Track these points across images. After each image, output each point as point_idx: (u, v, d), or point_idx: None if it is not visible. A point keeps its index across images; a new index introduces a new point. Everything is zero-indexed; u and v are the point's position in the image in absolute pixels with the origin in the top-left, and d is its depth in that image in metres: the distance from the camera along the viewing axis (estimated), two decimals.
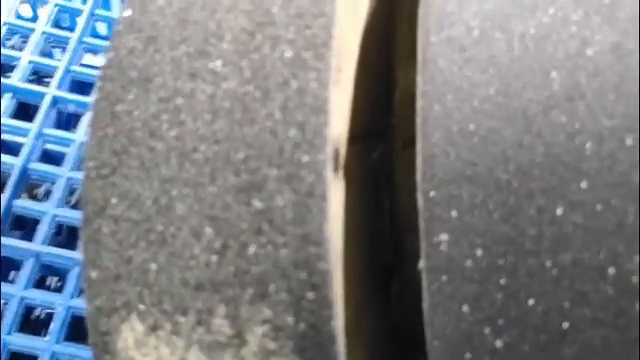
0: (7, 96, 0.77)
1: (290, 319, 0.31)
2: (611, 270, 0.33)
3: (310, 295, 0.30)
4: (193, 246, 0.33)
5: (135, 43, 0.37)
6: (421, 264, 0.36)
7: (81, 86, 0.79)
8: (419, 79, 0.38)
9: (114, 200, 0.35)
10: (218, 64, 0.34)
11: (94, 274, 0.35)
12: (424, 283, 0.36)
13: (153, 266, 0.34)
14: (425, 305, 0.36)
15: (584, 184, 0.34)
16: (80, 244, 0.37)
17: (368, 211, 0.42)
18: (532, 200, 0.35)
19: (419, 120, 0.38)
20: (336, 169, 0.40)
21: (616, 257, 0.33)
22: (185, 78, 0.35)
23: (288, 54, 0.33)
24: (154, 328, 0.34)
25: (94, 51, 0.82)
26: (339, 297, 0.39)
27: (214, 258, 0.32)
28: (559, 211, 0.34)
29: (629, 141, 0.34)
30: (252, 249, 0.32)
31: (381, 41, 0.47)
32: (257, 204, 0.32)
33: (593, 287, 0.33)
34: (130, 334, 0.34)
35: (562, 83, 0.35)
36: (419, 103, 0.38)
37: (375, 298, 0.43)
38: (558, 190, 0.34)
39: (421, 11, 0.40)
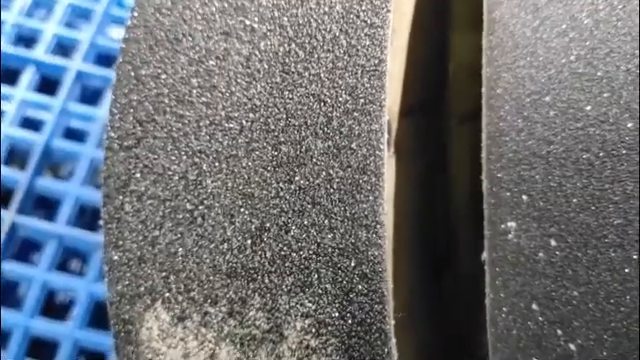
0: (30, 70, 0.75)
1: (335, 313, 0.28)
2: None
3: (359, 287, 0.27)
4: (225, 227, 0.30)
5: (163, 0, 0.34)
6: (484, 255, 0.33)
7: (107, 60, 0.77)
8: (485, 43, 0.35)
9: (138, 175, 0.32)
10: (256, 20, 0.31)
11: (116, 256, 0.33)
12: (487, 277, 0.33)
13: (180, 249, 0.31)
14: (487, 302, 0.33)
15: None
16: (102, 223, 0.34)
17: (419, 195, 0.39)
18: (618, 184, 0.31)
19: (485, 90, 0.34)
20: (388, 143, 0.36)
21: None
22: (218, 37, 0.32)
23: (337, 7, 0.29)
24: (181, 318, 0.31)
25: (122, 23, 0.80)
26: (389, 287, 0.35)
27: (249, 242, 0.29)
28: None
29: None
30: (293, 232, 0.28)
31: (437, 4, 0.43)
32: (299, 181, 0.28)
33: None
34: (155, 323, 0.32)
35: None
36: (485, 71, 0.34)
37: (425, 294, 0.39)
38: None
39: None
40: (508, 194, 0.32)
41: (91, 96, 0.77)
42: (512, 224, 0.32)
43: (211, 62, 0.32)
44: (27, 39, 0.78)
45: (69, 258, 0.74)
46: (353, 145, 0.27)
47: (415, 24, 0.40)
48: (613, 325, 0.31)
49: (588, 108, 0.32)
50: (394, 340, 0.27)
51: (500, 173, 0.33)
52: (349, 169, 0.27)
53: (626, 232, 0.31)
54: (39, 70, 0.75)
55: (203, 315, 0.31)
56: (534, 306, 0.32)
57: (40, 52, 0.76)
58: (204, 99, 0.31)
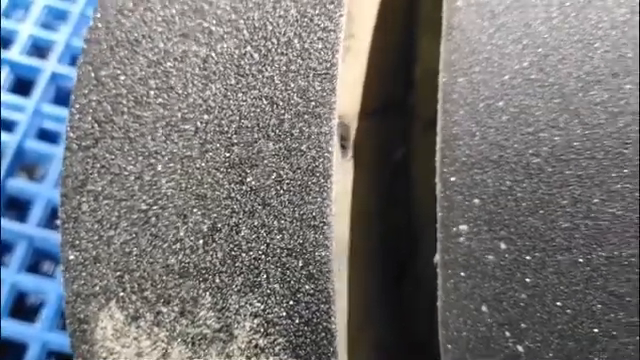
0: (5, 70, 0.76)
1: (283, 313, 0.28)
2: None
3: (306, 287, 0.28)
4: (178, 228, 0.31)
5: (125, 1, 0.35)
6: (436, 258, 0.33)
7: None
8: (443, 48, 0.35)
9: (95, 175, 0.33)
10: (213, 23, 0.32)
11: (72, 256, 0.33)
12: (439, 280, 0.33)
13: (135, 249, 0.31)
14: (439, 304, 0.33)
15: (626, 171, 0.31)
16: (59, 223, 0.35)
17: (381, 199, 0.40)
18: (566, 189, 0.32)
19: (441, 95, 0.35)
20: (344, 147, 0.37)
21: None
22: (177, 39, 0.32)
23: (292, 12, 0.30)
24: (135, 317, 0.32)
25: None
26: (344, 292, 0.36)
27: (201, 242, 0.30)
28: (596, 202, 0.31)
29: None
30: (243, 233, 0.29)
31: (404, 8, 0.44)
32: (251, 182, 0.29)
33: (630, 289, 0.30)
34: (109, 323, 0.32)
35: (606, 56, 0.32)
36: (441, 75, 0.35)
37: (386, 297, 0.40)
38: (596, 178, 0.31)
39: None
40: (460, 197, 0.33)
41: (66, 97, 0.78)
42: (464, 227, 0.33)
43: (169, 64, 0.32)
44: (2, 40, 0.78)
45: (40, 260, 0.74)
46: (303, 147, 0.28)
47: (379, 29, 0.40)
48: (559, 327, 0.32)
49: (539, 113, 0.33)
50: (345, 341, 0.28)
51: (453, 177, 0.33)
52: (299, 171, 0.28)
53: (573, 236, 0.31)
54: (13, 71, 0.76)
55: (156, 315, 0.31)
56: (484, 308, 0.33)
57: (15, 53, 0.76)
58: (161, 100, 0.32)
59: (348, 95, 0.37)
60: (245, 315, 0.29)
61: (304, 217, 0.28)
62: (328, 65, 0.28)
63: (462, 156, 0.33)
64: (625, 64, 0.32)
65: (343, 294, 0.35)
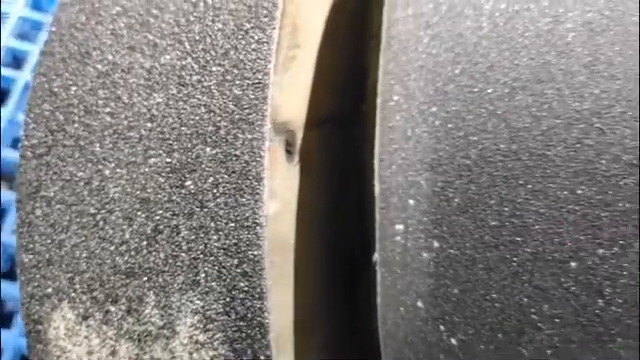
0: None
1: (220, 309, 0.30)
2: (573, 264, 0.32)
3: (241, 284, 0.30)
4: (124, 230, 0.32)
5: (78, 15, 0.36)
6: (375, 256, 0.35)
7: None
8: (382, 58, 0.37)
9: (48, 181, 0.34)
10: (158, 36, 0.33)
11: (26, 259, 0.35)
12: (378, 277, 0.35)
13: (85, 251, 0.33)
14: (378, 301, 0.35)
15: (549, 171, 0.33)
16: (14, 228, 0.36)
17: (333, 202, 0.42)
18: (494, 189, 0.33)
19: (379, 101, 0.37)
20: (290, 153, 0.39)
21: (579, 250, 0.32)
22: (124, 52, 0.34)
23: (229, 25, 0.32)
24: (85, 317, 0.33)
25: None
26: (290, 290, 0.38)
27: (145, 243, 0.32)
28: (521, 201, 0.33)
29: (598, 126, 0.32)
30: (183, 234, 0.31)
31: (355, 19, 0.46)
32: (190, 186, 0.31)
33: (554, 282, 0.32)
34: (61, 322, 0.34)
35: (530, 64, 0.34)
36: (380, 83, 0.37)
37: (339, 298, 0.42)
38: (521, 178, 0.33)
39: None
40: (396, 198, 0.35)
41: None
42: (399, 227, 0.35)
43: (117, 75, 0.34)
44: None
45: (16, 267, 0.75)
46: (237, 152, 0.30)
47: (327, 40, 0.42)
48: (489, 320, 0.33)
49: (469, 118, 0.35)
50: (272, 334, 0.29)
51: (390, 179, 0.35)
52: (233, 174, 0.30)
53: (500, 233, 0.33)
54: None
55: (105, 313, 0.33)
56: (419, 303, 0.34)
57: None
58: (109, 109, 0.33)
59: (294, 103, 0.39)
60: (186, 312, 0.31)
61: (238, 218, 0.30)
62: (261, 75, 0.30)
63: (398, 159, 0.35)
64: (548, 70, 0.34)
65: (288, 293, 0.37)
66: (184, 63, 0.32)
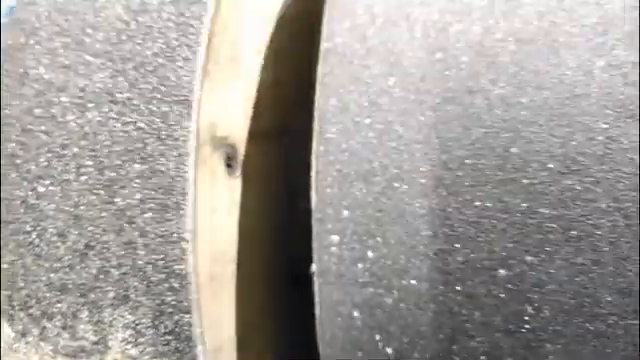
0: None
1: (150, 324, 0.31)
2: (502, 272, 0.32)
3: (169, 299, 0.30)
4: (59, 247, 0.33)
5: (19, 35, 0.37)
6: (313, 267, 0.36)
7: None
8: (319, 70, 0.38)
9: None
10: (91, 55, 0.34)
11: None
12: (316, 287, 0.36)
13: (21, 269, 0.34)
14: (317, 310, 0.35)
15: (477, 181, 0.33)
16: None
17: (280, 215, 0.42)
18: (424, 198, 0.34)
19: (316, 114, 0.37)
20: (231, 166, 0.39)
21: (507, 258, 0.32)
22: (60, 70, 0.35)
23: (159, 43, 0.33)
24: (23, 334, 0.34)
25: None
26: (232, 303, 0.38)
27: (77, 259, 0.32)
28: (451, 210, 0.33)
29: (525, 135, 0.33)
30: (113, 250, 0.31)
31: (304, 35, 0.46)
32: (119, 202, 0.31)
33: (484, 290, 0.33)
34: (1, 340, 0.34)
35: (460, 74, 0.35)
36: (318, 95, 0.37)
37: (285, 307, 0.42)
38: (451, 187, 0.34)
39: (328, 1, 0.40)
40: (331, 210, 0.35)
41: None
42: (335, 237, 0.35)
43: (52, 93, 0.35)
44: None
45: None
46: (163, 168, 0.30)
47: (271, 55, 0.43)
48: (423, 329, 0.34)
49: (401, 129, 0.35)
50: (200, 347, 0.30)
51: (325, 190, 0.36)
52: (160, 190, 0.30)
53: (432, 242, 0.34)
54: None
55: (42, 330, 0.33)
56: (355, 313, 0.35)
57: None
58: (44, 128, 0.34)
59: (234, 117, 0.39)
60: (118, 327, 0.31)
61: (164, 233, 0.30)
62: (186, 91, 0.31)
63: (333, 171, 0.36)
64: (477, 81, 0.34)
65: (230, 306, 0.38)
66: (115, 81, 0.33)
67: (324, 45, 0.39)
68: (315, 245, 0.36)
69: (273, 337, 0.42)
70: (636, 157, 0.32)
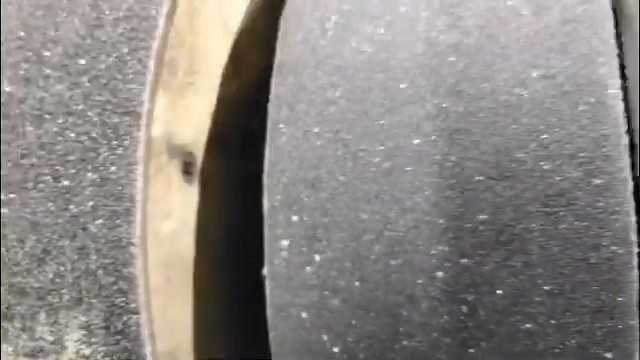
0: None
1: (102, 324, 0.32)
2: (439, 273, 0.34)
3: (118, 301, 0.32)
4: (18, 252, 0.34)
5: None
6: (265, 271, 0.37)
7: None
8: (273, 82, 0.40)
9: None
10: (50, 67, 0.36)
11: None
12: (267, 290, 0.37)
13: None
14: (268, 312, 0.37)
15: (416, 184, 0.35)
16: None
17: (238, 219, 0.44)
18: (367, 204, 0.36)
19: (269, 123, 0.39)
20: (189, 173, 0.41)
21: (444, 260, 0.34)
22: (21, 83, 0.36)
23: (112, 57, 0.34)
24: None
25: None
26: (189, 306, 0.40)
27: (35, 264, 0.34)
28: (393, 215, 0.35)
29: (460, 142, 0.35)
30: (68, 255, 0.33)
31: (264, 47, 0.48)
32: (73, 209, 0.33)
33: (422, 291, 0.34)
34: None
35: (402, 86, 0.36)
36: (270, 107, 0.39)
37: (246, 309, 0.44)
38: (390, 193, 0.35)
39: (284, 12, 0.42)
40: (281, 215, 0.37)
41: None
42: (285, 242, 0.37)
43: (13, 105, 0.36)
44: None
45: None
46: (114, 177, 0.32)
47: (231, 66, 0.45)
48: (367, 329, 0.35)
49: (348, 137, 0.37)
50: (149, 347, 0.31)
51: (276, 196, 0.37)
52: (111, 197, 0.32)
53: (374, 246, 0.35)
54: None
55: (4, 332, 0.35)
56: (304, 315, 0.36)
57: None
58: (4, 138, 0.36)
59: (192, 126, 0.41)
60: (73, 328, 0.33)
61: (114, 239, 0.32)
62: (136, 103, 0.32)
63: (283, 178, 0.37)
64: (418, 92, 0.36)
65: (187, 309, 0.39)
66: (72, 94, 0.35)
67: (278, 57, 0.41)
68: (266, 250, 0.37)
69: (232, 339, 0.43)
70: (565, 165, 0.33)
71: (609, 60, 0.34)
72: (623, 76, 0.40)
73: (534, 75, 0.34)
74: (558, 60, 0.34)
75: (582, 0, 0.35)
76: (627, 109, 0.39)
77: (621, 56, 0.40)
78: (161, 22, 0.35)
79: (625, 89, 0.39)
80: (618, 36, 0.41)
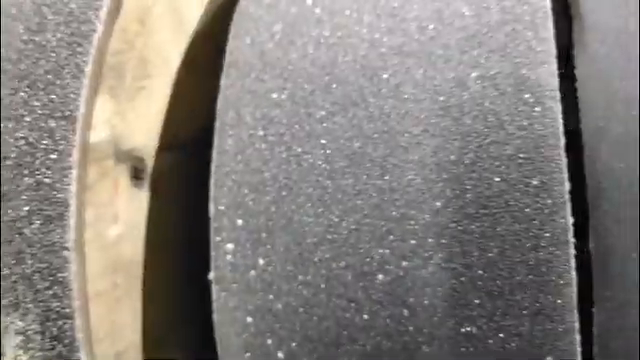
0: None
1: (38, 330, 0.32)
2: (381, 276, 0.34)
3: (53, 305, 0.32)
4: None
5: None
6: (211, 275, 0.37)
7: None
8: (221, 84, 0.40)
9: None
10: None
11: None
12: (213, 295, 0.37)
13: None
14: (214, 317, 0.37)
15: (357, 188, 0.35)
16: None
17: (191, 223, 0.44)
18: (311, 208, 0.35)
19: (217, 126, 0.39)
20: (139, 178, 0.41)
21: (385, 263, 0.34)
22: None
23: (51, 62, 0.34)
24: None
25: None
26: (138, 310, 0.40)
27: None
28: (335, 217, 0.35)
29: (402, 144, 0.34)
30: (5, 260, 0.33)
31: (218, 50, 0.48)
32: (10, 214, 0.33)
33: (364, 294, 0.34)
34: None
35: (346, 88, 0.36)
36: (218, 109, 0.39)
37: (198, 315, 0.44)
38: (334, 195, 0.35)
39: (234, 16, 0.42)
40: (226, 219, 0.37)
41: None
42: (230, 246, 0.37)
43: None
44: None
45: None
46: (48, 180, 0.32)
47: (184, 69, 0.45)
48: (310, 333, 0.35)
49: (292, 140, 0.37)
50: (83, 352, 0.31)
51: (222, 200, 0.37)
52: (45, 202, 0.32)
53: (317, 249, 0.35)
54: None
55: None
56: (249, 319, 0.36)
57: None
58: None
59: (142, 130, 0.41)
60: (11, 333, 0.33)
61: (49, 243, 0.32)
62: (72, 108, 0.32)
63: (228, 181, 0.37)
64: (361, 93, 0.36)
65: (135, 313, 0.39)
66: (12, 99, 0.35)
67: (227, 59, 0.40)
68: (212, 253, 0.37)
69: (183, 342, 0.43)
70: (504, 166, 0.33)
71: (548, 60, 0.34)
72: (573, 76, 0.40)
73: (474, 76, 0.34)
74: (497, 61, 0.34)
75: (522, 1, 0.35)
76: (577, 109, 0.39)
77: (571, 56, 0.40)
78: (100, 26, 0.35)
79: (575, 90, 0.39)
80: (569, 35, 0.41)
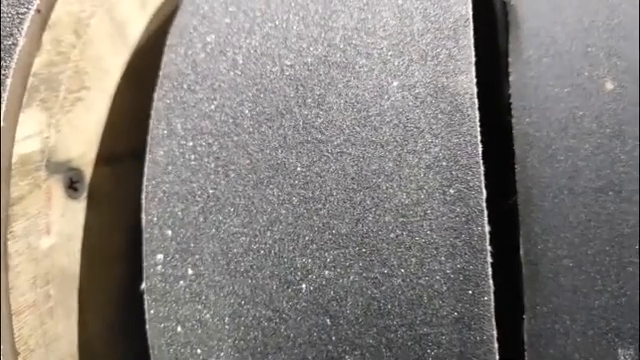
0: None
1: None
2: (304, 285, 0.34)
3: None
4: None
5: None
6: (143, 285, 0.37)
7: None
8: (155, 96, 0.40)
9: None
10: None
11: None
12: (146, 306, 0.37)
13: None
14: (147, 327, 0.37)
15: (281, 198, 0.35)
16: None
17: (131, 236, 0.44)
18: (237, 217, 0.35)
19: (148, 137, 0.39)
20: (76, 189, 0.41)
21: (308, 273, 0.34)
22: None
23: None
24: None
25: None
26: (74, 321, 0.40)
27: None
28: (260, 227, 0.35)
29: (324, 152, 0.34)
30: None
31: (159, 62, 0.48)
32: None
33: (288, 304, 0.34)
34: None
35: (273, 98, 0.36)
36: (150, 120, 0.39)
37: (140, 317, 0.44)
38: (260, 205, 0.35)
39: (171, 27, 0.42)
40: (157, 230, 0.37)
41: None
42: (160, 256, 0.37)
43: None
44: None
45: None
46: None
47: (125, 81, 0.45)
48: (237, 343, 0.35)
49: (220, 151, 0.37)
50: None
51: (152, 211, 0.37)
52: None
53: (243, 259, 0.35)
54: None
55: None
56: (179, 329, 0.36)
57: None
58: None
59: (79, 142, 0.41)
60: None
61: None
62: None
63: (159, 192, 0.37)
64: (287, 104, 0.36)
65: (71, 324, 0.39)
66: None
67: (162, 71, 0.41)
68: (144, 264, 0.37)
69: (123, 351, 0.43)
70: (422, 174, 0.33)
71: (467, 69, 0.34)
72: (507, 83, 0.39)
73: (394, 85, 0.34)
74: (417, 69, 0.34)
75: (443, 8, 0.35)
76: (509, 118, 0.39)
77: (506, 63, 0.40)
78: (21, 40, 0.35)
79: (509, 96, 0.39)
80: (505, 42, 0.41)
